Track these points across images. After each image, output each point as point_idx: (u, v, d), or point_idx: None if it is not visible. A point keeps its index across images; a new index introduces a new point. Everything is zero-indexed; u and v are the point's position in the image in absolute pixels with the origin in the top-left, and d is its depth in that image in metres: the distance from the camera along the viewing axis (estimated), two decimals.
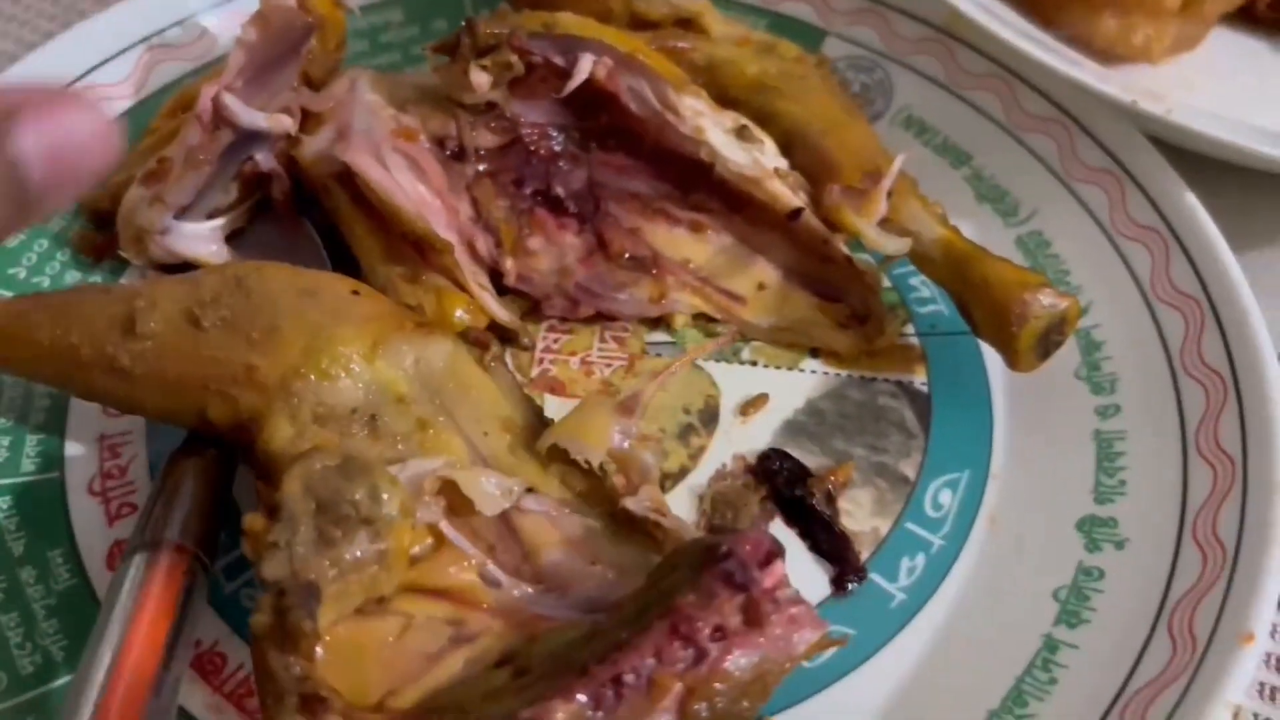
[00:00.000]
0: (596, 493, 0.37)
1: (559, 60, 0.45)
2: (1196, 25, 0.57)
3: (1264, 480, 0.38)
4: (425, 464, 0.35)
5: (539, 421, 0.38)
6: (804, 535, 0.40)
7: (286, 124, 0.43)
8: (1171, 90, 0.55)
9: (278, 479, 0.34)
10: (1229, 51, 0.59)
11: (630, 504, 0.35)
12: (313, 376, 0.36)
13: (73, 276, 0.47)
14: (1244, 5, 0.59)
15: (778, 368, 0.46)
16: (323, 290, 0.39)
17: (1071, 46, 0.55)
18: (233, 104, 0.42)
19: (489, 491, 0.35)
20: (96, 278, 0.47)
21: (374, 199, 0.42)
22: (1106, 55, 0.56)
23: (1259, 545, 0.36)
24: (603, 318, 0.47)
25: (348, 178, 0.43)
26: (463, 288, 0.43)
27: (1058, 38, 0.56)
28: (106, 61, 0.52)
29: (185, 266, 0.45)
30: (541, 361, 0.45)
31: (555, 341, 0.46)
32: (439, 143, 0.46)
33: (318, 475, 0.33)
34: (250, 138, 0.44)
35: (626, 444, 0.37)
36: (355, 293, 0.39)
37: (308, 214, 0.47)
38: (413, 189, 0.44)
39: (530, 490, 0.36)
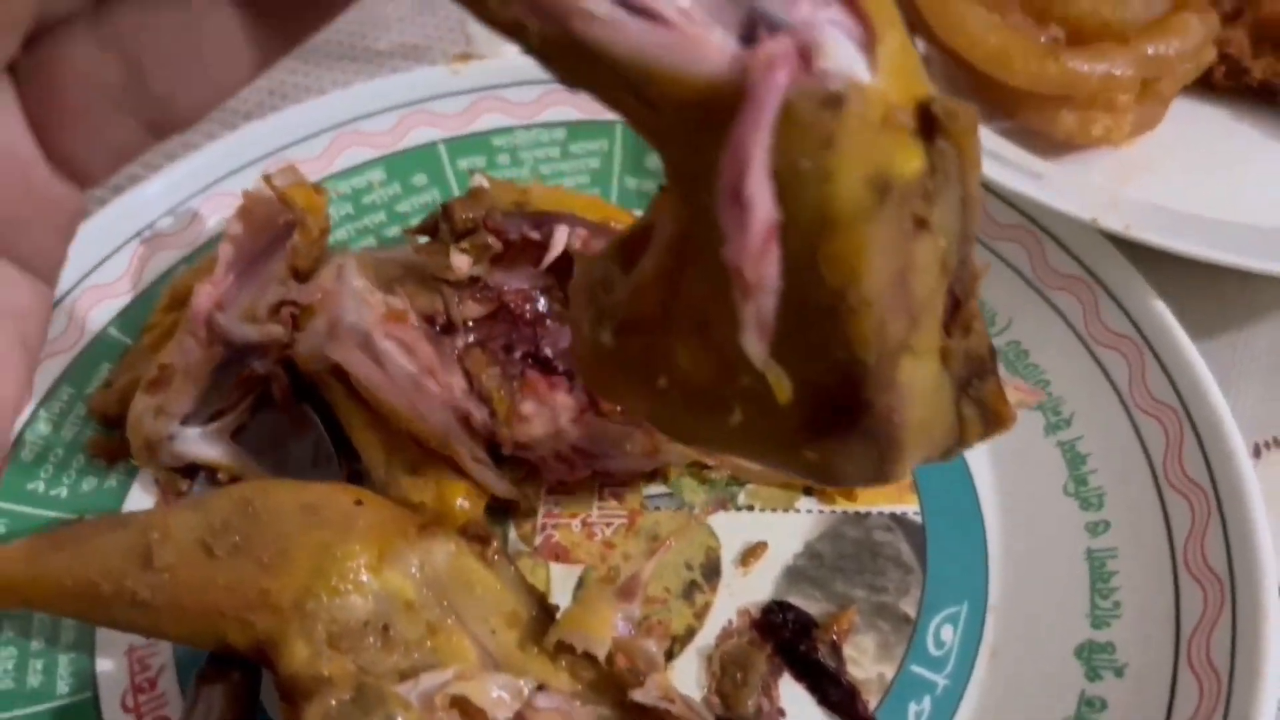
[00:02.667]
0: (606, 680, 0.38)
1: (535, 235, 0.47)
2: (1155, 106, 0.58)
3: (1252, 602, 0.39)
4: (436, 678, 0.36)
5: (544, 612, 0.40)
6: (812, 690, 0.42)
7: (277, 333, 0.45)
8: (1137, 173, 0.57)
9: (297, 701, 0.35)
10: (1191, 123, 0.60)
11: (639, 696, 0.37)
12: (324, 595, 0.38)
13: (89, 483, 0.49)
14: (1201, 76, 0.60)
15: (773, 510, 0.47)
16: (325, 505, 0.40)
17: (1034, 137, 0.57)
18: (225, 322, 0.44)
19: (498, 697, 0.37)
20: (112, 481, 0.49)
21: (367, 396, 0.44)
22: (1069, 144, 0.57)
23: (1250, 677, 0.37)
24: (600, 476, 0.48)
25: (342, 371, 0.45)
26: (462, 469, 0.45)
27: (1019, 130, 0.57)
28: (103, 262, 0.54)
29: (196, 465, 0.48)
30: (544, 528, 0.47)
31: (556, 505, 0.47)
32: (428, 319, 0.48)
33: (334, 712, 0.34)
34: (245, 348, 0.45)
35: (630, 630, 0.39)
36: (358, 502, 0.41)
37: (309, 400, 0.49)
38: (404, 374, 0.46)
39: (541, 687, 0.38)
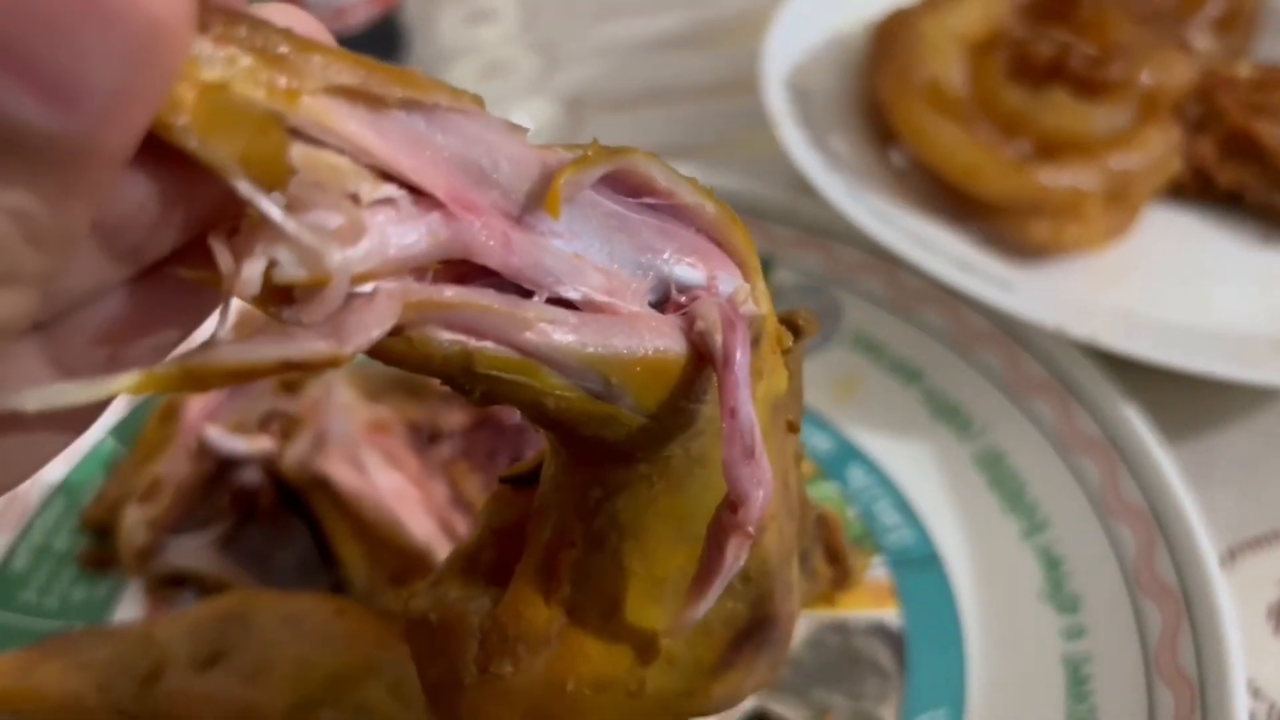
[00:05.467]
0: None
1: None
2: (1125, 214, 0.60)
3: (1221, 708, 0.39)
4: None
5: None
6: None
7: (265, 446, 0.46)
8: (1111, 279, 0.58)
9: None
10: (1164, 230, 0.62)
11: None
12: (304, 706, 0.38)
13: (81, 592, 0.50)
14: (1173, 185, 0.62)
15: None
16: (308, 616, 0.41)
17: (1010, 244, 0.58)
18: (215, 436, 0.45)
19: None
20: (103, 590, 0.50)
21: (351, 507, 0.45)
22: (1043, 251, 0.58)
23: None
24: None
25: (328, 482, 0.46)
26: None
27: (995, 236, 0.59)
28: None
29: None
30: None
31: None
32: (415, 428, 0.49)
33: None
34: (234, 460, 0.47)
35: None
36: (339, 613, 0.41)
37: (296, 510, 0.50)
38: (389, 483, 0.47)
39: None
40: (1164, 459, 0.46)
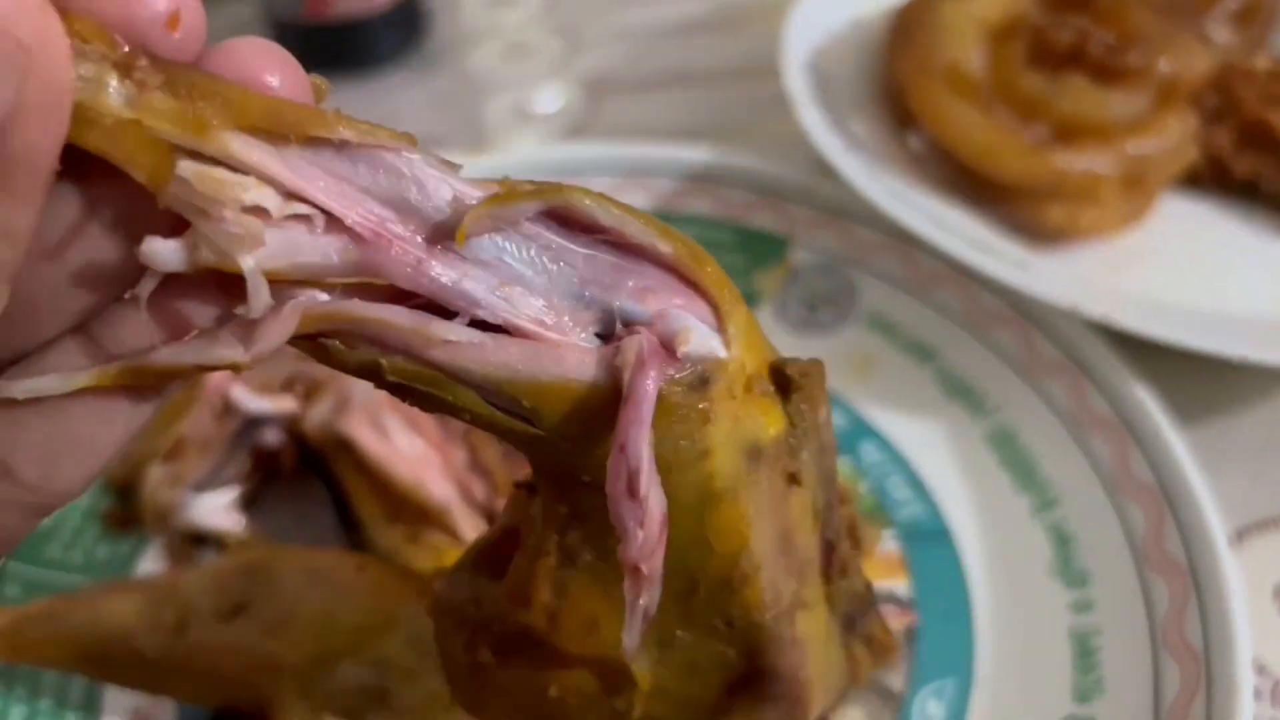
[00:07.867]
0: None
1: None
2: (1141, 200, 0.60)
3: (1226, 679, 0.40)
4: None
5: None
6: None
7: (290, 406, 0.47)
8: (1125, 265, 0.59)
9: None
10: (1179, 218, 0.62)
11: None
12: (325, 660, 0.39)
13: (104, 549, 0.50)
14: (1189, 173, 0.62)
15: None
16: (329, 571, 0.42)
17: (1025, 228, 0.59)
18: (240, 395, 0.46)
19: None
20: (125, 548, 0.51)
21: (372, 467, 0.46)
22: (1059, 236, 0.59)
23: None
24: None
25: (349, 443, 0.47)
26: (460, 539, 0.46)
27: (1011, 221, 0.59)
28: None
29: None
30: None
31: None
32: None
33: None
34: (258, 420, 0.47)
35: None
36: (360, 569, 0.42)
37: (316, 471, 0.50)
38: (410, 447, 0.47)
39: None
40: (1175, 438, 0.47)
